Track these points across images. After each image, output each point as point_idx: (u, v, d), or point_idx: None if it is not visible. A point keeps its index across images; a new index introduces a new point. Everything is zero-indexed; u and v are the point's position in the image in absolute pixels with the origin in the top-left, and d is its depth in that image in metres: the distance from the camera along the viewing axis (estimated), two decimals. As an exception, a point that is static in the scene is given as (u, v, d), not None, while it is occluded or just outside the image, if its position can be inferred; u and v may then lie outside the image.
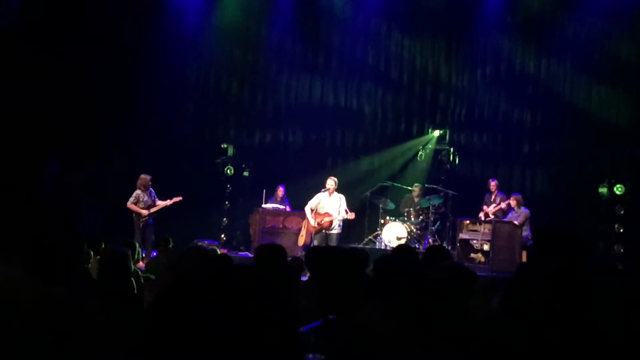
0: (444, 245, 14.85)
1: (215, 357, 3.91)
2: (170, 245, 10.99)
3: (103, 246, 9.04)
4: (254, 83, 17.88)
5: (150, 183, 14.29)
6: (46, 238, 4.88)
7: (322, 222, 13.70)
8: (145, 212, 14.10)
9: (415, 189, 15.94)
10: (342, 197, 13.83)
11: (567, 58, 16.89)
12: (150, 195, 14.28)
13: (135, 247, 9.62)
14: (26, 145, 14.59)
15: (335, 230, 13.72)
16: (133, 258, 9.15)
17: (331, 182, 13.81)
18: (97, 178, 15.34)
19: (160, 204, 14.29)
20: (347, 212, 13.68)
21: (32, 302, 4.40)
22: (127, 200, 14.09)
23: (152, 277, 9.04)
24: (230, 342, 3.99)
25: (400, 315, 3.63)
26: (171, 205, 14.36)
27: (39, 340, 4.24)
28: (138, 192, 14.18)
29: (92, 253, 8.44)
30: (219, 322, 4.01)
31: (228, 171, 17.03)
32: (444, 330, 3.55)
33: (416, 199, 15.81)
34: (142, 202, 14.14)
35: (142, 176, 14.27)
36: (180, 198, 14.43)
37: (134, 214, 14.12)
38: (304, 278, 6.80)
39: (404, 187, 16.33)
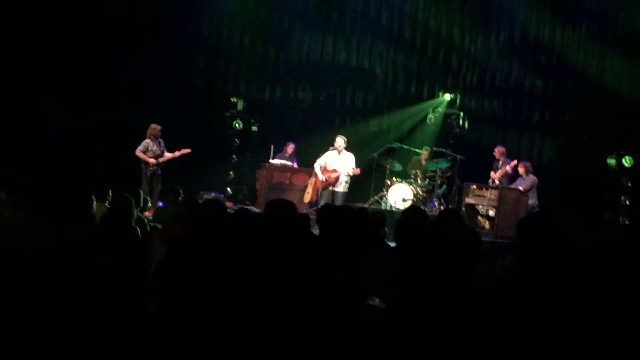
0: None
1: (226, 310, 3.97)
2: (181, 198, 10.99)
3: (110, 193, 9.10)
4: (266, 38, 17.77)
5: (159, 133, 14.28)
6: (55, 185, 4.92)
7: (329, 177, 13.71)
8: (153, 161, 14.11)
9: (425, 152, 15.91)
10: (352, 156, 13.82)
11: (582, 27, 16.76)
12: (159, 145, 14.29)
13: (140, 196, 9.63)
14: (35, 93, 14.62)
15: (342, 188, 13.73)
16: (138, 206, 9.21)
17: (340, 141, 13.80)
18: (105, 126, 15.34)
19: (168, 155, 14.29)
20: (353, 169, 13.69)
21: (43, 245, 4.45)
22: (135, 149, 14.09)
23: (159, 226, 9.06)
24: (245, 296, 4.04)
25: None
26: (179, 156, 14.36)
27: (49, 280, 4.29)
28: (147, 141, 14.17)
29: (94, 199, 8.44)
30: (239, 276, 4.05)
31: (237, 125, 17.01)
32: (456, 293, 3.58)
33: (424, 162, 15.79)
34: (150, 151, 14.14)
35: (153, 125, 14.25)
36: (188, 150, 14.42)
37: (142, 163, 14.13)
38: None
39: (412, 149, 16.28)
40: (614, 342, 3.40)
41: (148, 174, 14.12)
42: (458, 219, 5.86)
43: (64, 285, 4.24)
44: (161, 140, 14.34)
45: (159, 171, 14.24)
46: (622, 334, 3.44)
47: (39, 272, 4.26)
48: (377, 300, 4.02)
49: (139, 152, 14.10)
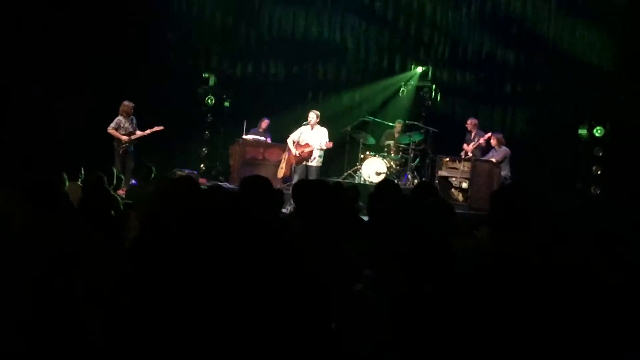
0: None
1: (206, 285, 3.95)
2: (153, 175, 10.93)
3: (82, 172, 9.04)
4: (237, 13, 17.65)
5: (132, 111, 14.19)
6: (34, 167, 4.88)
7: (302, 152, 13.71)
8: (125, 138, 14.04)
9: (398, 125, 15.94)
10: (325, 130, 13.81)
11: (552, -1, 16.83)
12: (131, 122, 14.22)
13: (113, 174, 9.59)
14: (11, 73, 14.48)
15: (316, 162, 13.72)
16: (111, 184, 9.16)
17: (313, 116, 13.78)
18: (76, 104, 15.20)
19: (140, 133, 14.21)
20: (325, 143, 13.70)
21: (30, 226, 4.43)
22: (107, 126, 14.02)
23: (130, 202, 9.01)
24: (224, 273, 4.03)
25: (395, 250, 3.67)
26: (151, 134, 14.28)
27: (37, 260, 4.27)
28: (120, 118, 14.11)
29: (66, 178, 8.38)
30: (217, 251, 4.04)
31: (209, 101, 16.95)
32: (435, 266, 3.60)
33: (397, 135, 15.82)
34: (122, 128, 14.08)
35: (125, 103, 14.17)
36: (161, 127, 14.33)
37: (114, 140, 14.05)
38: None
39: (385, 122, 16.31)
40: (594, 319, 3.44)
41: (120, 152, 14.04)
42: (434, 193, 5.88)
43: (61, 268, 4.23)
44: (134, 118, 14.26)
45: (132, 148, 14.17)
46: (601, 311, 3.48)
47: (33, 259, 4.25)
48: (360, 285, 4.02)
49: (111, 129, 14.02)
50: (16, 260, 4.21)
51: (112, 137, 14.06)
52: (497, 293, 3.46)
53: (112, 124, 14.04)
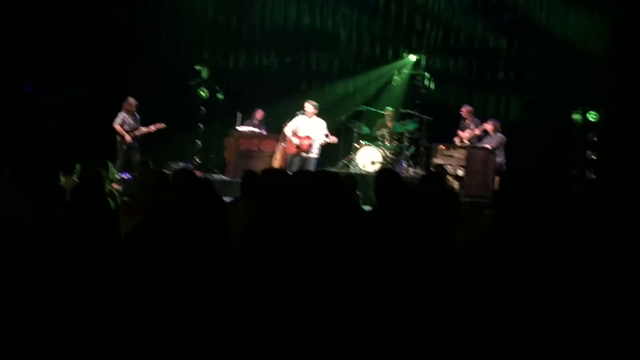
0: (418, 169, 15.06)
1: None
2: (150, 169, 10.92)
3: (77, 167, 9.02)
4: (229, 4, 17.57)
5: (135, 107, 14.26)
6: (22, 163, 4.84)
7: (303, 144, 13.64)
8: (128, 138, 14.07)
9: (387, 113, 15.91)
10: (323, 122, 13.78)
11: (544, -16, 16.82)
12: (135, 119, 14.27)
13: (108, 168, 9.59)
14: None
15: (315, 154, 13.70)
16: (108, 178, 9.15)
17: (309, 107, 13.71)
18: (70, 99, 15.15)
19: (144, 129, 14.24)
20: (327, 136, 13.67)
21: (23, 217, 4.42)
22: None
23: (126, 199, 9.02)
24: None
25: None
26: (155, 131, 14.34)
27: (28, 248, 4.26)
28: (123, 113, 14.14)
29: (62, 174, 8.39)
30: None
31: (202, 93, 16.87)
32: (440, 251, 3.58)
33: (389, 123, 15.79)
34: (127, 124, 14.12)
35: (130, 100, 14.22)
36: (163, 125, 14.39)
37: (117, 135, 14.08)
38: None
39: (379, 111, 16.28)
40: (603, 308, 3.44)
41: (124, 147, 14.06)
42: (440, 181, 5.87)
43: (53, 257, 4.21)
44: (136, 114, 14.29)
45: (136, 144, 14.22)
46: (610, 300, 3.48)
47: (27, 248, 4.23)
48: None
49: (116, 125, 14.06)
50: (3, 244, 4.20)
51: (114, 132, 14.07)
52: (497, 285, 3.46)
53: (117, 120, 14.07)
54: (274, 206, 4.19)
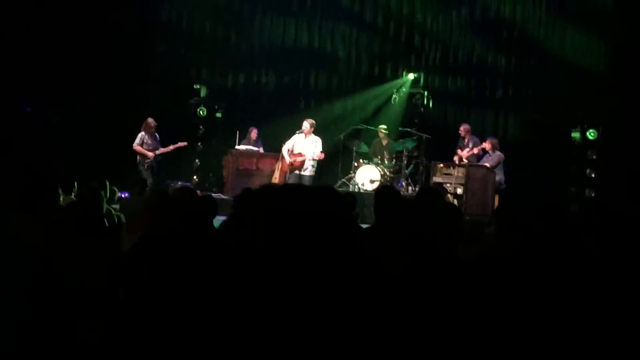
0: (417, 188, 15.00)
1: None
2: (147, 188, 10.91)
3: (76, 185, 8.97)
4: (227, 24, 17.60)
5: (155, 128, 14.42)
6: (20, 181, 4.82)
7: (295, 161, 13.70)
8: (151, 154, 14.27)
9: (381, 132, 15.82)
10: (319, 140, 13.81)
11: (542, 2, 16.83)
12: (154, 139, 14.45)
13: (106, 186, 9.54)
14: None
15: (309, 172, 13.72)
16: (105, 197, 9.10)
17: (306, 124, 13.79)
18: (68, 118, 15.15)
19: (164, 149, 14.50)
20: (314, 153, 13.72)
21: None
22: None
23: (122, 215, 8.97)
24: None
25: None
26: (174, 149, 14.62)
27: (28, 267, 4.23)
28: (142, 133, 14.33)
29: (61, 192, 8.33)
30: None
31: (201, 112, 16.89)
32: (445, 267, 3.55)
33: (384, 141, 15.75)
34: (146, 144, 14.31)
35: (149, 120, 14.40)
36: (185, 143, 14.83)
37: (138, 156, 14.26)
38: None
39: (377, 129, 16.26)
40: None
41: (145, 167, 14.25)
42: (439, 197, 5.84)
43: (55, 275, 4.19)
44: (156, 134, 14.45)
45: (154, 163, 14.41)
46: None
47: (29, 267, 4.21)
48: None
49: (136, 145, 14.28)
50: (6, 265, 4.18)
51: (135, 153, 14.25)
52: (500, 299, 3.43)
53: (137, 140, 14.28)
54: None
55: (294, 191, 5.06)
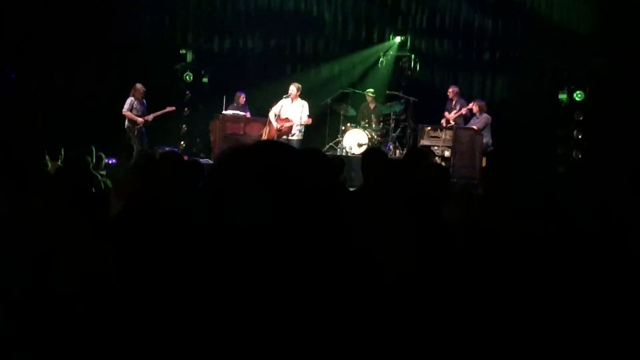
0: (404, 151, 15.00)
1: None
2: (134, 153, 10.89)
3: (62, 152, 8.95)
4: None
5: (144, 94, 14.36)
6: (8, 150, 4.79)
7: (282, 127, 13.68)
8: (140, 120, 14.21)
9: (368, 96, 15.77)
10: (305, 103, 13.77)
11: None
12: (143, 104, 14.39)
13: (92, 153, 9.54)
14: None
15: (296, 136, 13.71)
16: (92, 163, 9.10)
17: (293, 88, 13.74)
18: (56, 85, 15.05)
19: (153, 114, 14.45)
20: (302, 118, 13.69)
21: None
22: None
23: (108, 180, 8.98)
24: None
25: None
26: (162, 114, 14.65)
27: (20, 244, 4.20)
28: (132, 99, 14.26)
29: (48, 159, 8.33)
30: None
31: (187, 77, 16.82)
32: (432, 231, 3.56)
33: (372, 105, 15.71)
34: (135, 109, 14.26)
35: (138, 86, 14.34)
36: (173, 108, 14.85)
37: (128, 122, 14.18)
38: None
39: (365, 93, 16.21)
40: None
41: (135, 132, 14.15)
42: (427, 158, 5.84)
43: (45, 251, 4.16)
44: (144, 100, 14.40)
45: (144, 129, 14.31)
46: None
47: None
48: None
49: (125, 111, 14.21)
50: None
51: (123, 119, 14.20)
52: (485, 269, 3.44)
53: (126, 106, 14.21)
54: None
55: (288, 150, 5.05)
